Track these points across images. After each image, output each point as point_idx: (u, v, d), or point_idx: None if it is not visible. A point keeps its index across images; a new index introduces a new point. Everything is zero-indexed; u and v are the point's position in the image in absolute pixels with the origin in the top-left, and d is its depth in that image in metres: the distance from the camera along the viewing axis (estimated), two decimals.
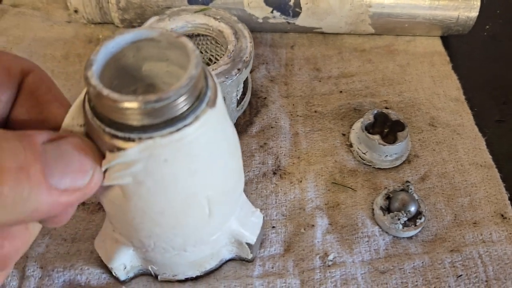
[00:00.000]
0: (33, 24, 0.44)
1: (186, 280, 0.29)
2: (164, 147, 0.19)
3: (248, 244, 0.28)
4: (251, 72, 0.41)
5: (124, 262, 0.27)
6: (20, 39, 0.42)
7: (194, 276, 0.29)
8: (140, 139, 0.19)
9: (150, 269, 0.28)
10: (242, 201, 0.28)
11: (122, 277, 0.28)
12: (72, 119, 0.20)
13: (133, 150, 0.19)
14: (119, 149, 0.19)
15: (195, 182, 0.21)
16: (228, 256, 0.30)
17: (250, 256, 0.29)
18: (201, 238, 0.25)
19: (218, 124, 0.21)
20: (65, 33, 0.43)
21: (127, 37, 0.21)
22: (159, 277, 0.29)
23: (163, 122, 0.19)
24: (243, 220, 0.28)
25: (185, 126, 0.19)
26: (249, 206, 0.29)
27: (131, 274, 0.29)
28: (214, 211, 0.24)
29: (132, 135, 0.19)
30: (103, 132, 0.19)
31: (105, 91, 0.18)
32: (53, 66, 0.41)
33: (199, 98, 0.20)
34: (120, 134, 0.19)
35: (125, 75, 0.22)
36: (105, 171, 0.19)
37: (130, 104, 0.18)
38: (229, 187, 0.24)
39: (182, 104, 0.19)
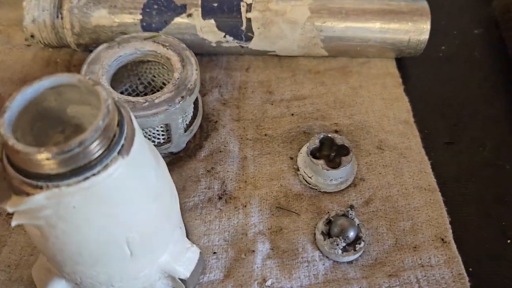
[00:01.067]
0: None
1: None
2: (72, 195, 0.20)
3: (182, 279, 0.28)
4: (203, 96, 0.41)
5: None
6: None
7: None
8: (47, 187, 0.19)
9: None
10: (176, 237, 0.28)
11: None
12: None
13: (39, 197, 0.19)
14: (28, 194, 0.19)
15: (110, 226, 0.22)
16: None
17: None
18: (126, 274, 0.25)
19: (132, 171, 0.22)
20: (24, 56, 0.44)
21: (45, 83, 0.21)
22: None
23: (70, 171, 0.19)
24: (177, 256, 0.28)
25: (93, 175, 0.20)
26: (184, 242, 0.29)
27: None
28: (136, 251, 0.24)
29: (40, 183, 0.19)
30: (14, 177, 0.20)
31: (11, 141, 0.19)
32: (11, 89, 0.41)
33: (110, 147, 0.20)
34: (27, 180, 0.19)
35: (49, 117, 0.23)
36: (13, 213, 0.20)
37: (33, 155, 0.18)
38: (152, 229, 0.25)
39: (90, 153, 0.20)
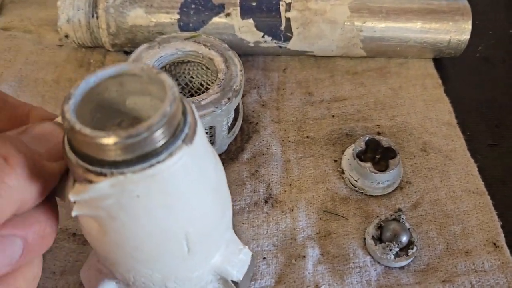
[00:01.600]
0: (24, 47, 0.43)
1: None
2: (136, 183, 0.19)
3: (234, 282, 0.28)
4: (242, 97, 0.40)
5: None
6: (11, 63, 0.42)
7: None
8: (112, 173, 0.18)
9: None
10: (228, 237, 0.28)
11: None
12: None
13: (104, 184, 0.18)
14: (91, 182, 0.19)
15: (171, 218, 0.21)
16: None
17: None
18: (181, 275, 0.25)
19: (195, 161, 0.21)
20: (57, 56, 0.43)
21: (108, 71, 0.20)
22: None
23: (136, 157, 0.18)
24: (229, 257, 0.27)
25: (158, 162, 0.19)
26: (236, 243, 0.28)
27: None
28: (193, 248, 0.23)
29: (104, 170, 0.18)
30: (77, 165, 0.19)
31: (78, 126, 0.18)
32: (44, 91, 0.41)
33: (175, 134, 0.20)
34: (91, 168, 0.19)
35: (109, 108, 0.22)
36: (74, 202, 0.19)
37: (101, 140, 0.18)
38: (210, 225, 0.24)
39: (155, 140, 0.19)
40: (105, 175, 0.19)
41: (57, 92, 0.41)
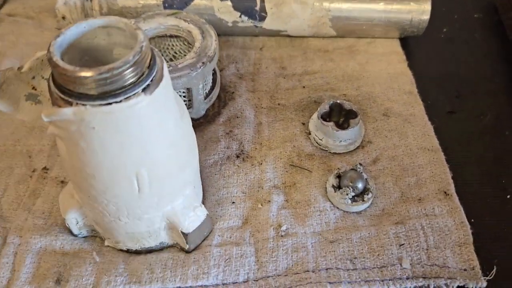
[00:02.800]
0: (25, 30, 0.48)
1: (128, 251, 0.32)
2: (93, 115, 0.23)
3: (183, 233, 0.30)
4: (221, 70, 0.44)
5: (76, 217, 0.31)
6: (14, 43, 0.47)
7: (133, 249, 0.31)
8: (76, 104, 0.22)
9: (99, 231, 0.31)
10: (188, 193, 0.30)
11: (75, 231, 0.32)
12: (29, 68, 0.24)
13: (67, 110, 0.22)
14: (59, 107, 0.23)
15: (122, 155, 0.25)
16: (168, 241, 0.32)
17: (186, 247, 0.31)
18: (132, 212, 0.28)
19: (152, 111, 0.24)
20: None
21: (98, 21, 0.25)
22: (105, 241, 0.32)
23: (97, 94, 0.22)
24: (184, 210, 0.30)
25: (115, 102, 0.23)
26: (194, 201, 0.31)
27: (83, 232, 0.32)
28: (144, 190, 0.26)
29: (70, 99, 0.23)
30: (53, 92, 0.23)
31: (55, 58, 0.22)
32: None
33: (136, 82, 0.23)
34: (62, 96, 0.23)
35: (97, 54, 0.26)
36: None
37: (67, 71, 0.22)
38: (164, 174, 0.27)
39: (116, 82, 0.23)
40: (70, 104, 0.23)
41: None
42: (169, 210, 0.29)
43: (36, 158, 0.37)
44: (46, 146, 0.38)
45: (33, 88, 0.26)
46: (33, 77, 0.25)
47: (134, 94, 0.23)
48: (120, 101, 0.23)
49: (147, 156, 0.25)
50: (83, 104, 0.22)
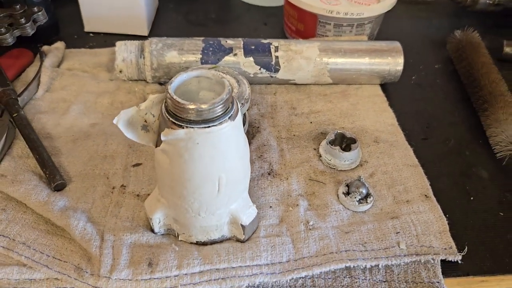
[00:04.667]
0: (84, 82, 0.59)
1: (197, 243, 0.42)
2: (198, 135, 0.34)
3: (242, 226, 0.41)
4: (247, 110, 0.57)
5: (159, 217, 0.41)
6: (77, 92, 0.58)
7: (202, 241, 0.42)
8: (186, 127, 0.34)
9: (175, 229, 0.42)
10: (244, 196, 0.41)
11: (156, 229, 0.42)
12: (145, 107, 0.35)
13: (181, 131, 0.34)
14: (174, 129, 0.34)
15: (212, 163, 0.35)
16: (228, 234, 0.42)
17: (242, 237, 0.41)
18: (210, 207, 0.38)
19: (233, 132, 0.36)
20: (109, 87, 0.59)
21: (194, 73, 0.37)
22: (179, 236, 0.42)
23: (201, 120, 0.34)
24: (242, 208, 0.41)
25: (213, 126, 0.34)
26: (248, 201, 0.42)
27: (162, 230, 0.42)
28: (221, 190, 0.37)
29: (182, 124, 0.34)
30: (168, 120, 0.34)
31: (174, 96, 0.34)
32: (102, 110, 0.56)
33: (225, 113, 0.35)
34: (176, 122, 0.34)
35: (189, 95, 0.38)
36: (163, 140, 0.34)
37: (184, 105, 0.33)
38: (234, 179, 0.38)
39: (214, 113, 0.34)
40: (182, 127, 0.34)
41: (112, 111, 0.56)
42: (233, 208, 0.40)
43: (113, 179, 0.48)
44: (119, 169, 0.49)
45: (145, 121, 0.37)
46: (146, 113, 0.37)
47: (224, 120, 0.35)
48: (216, 125, 0.34)
49: (227, 165, 0.37)
50: (191, 127, 0.34)
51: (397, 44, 0.61)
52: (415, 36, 0.75)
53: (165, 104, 0.35)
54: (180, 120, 0.34)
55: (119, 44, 0.57)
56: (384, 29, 0.73)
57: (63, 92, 0.58)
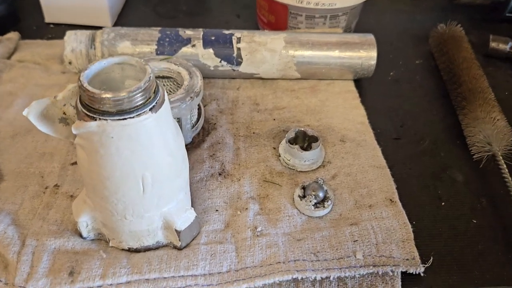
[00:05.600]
0: (34, 74, 0.56)
1: (129, 250, 0.38)
2: (112, 127, 0.30)
3: (177, 231, 0.36)
4: (204, 106, 0.53)
5: (86, 220, 0.37)
6: (24, 85, 0.54)
7: (134, 247, 0.38)
8: (99, 119, 0.30)
9: (105, 233, 0.38)
10: (181, 197, 0.37)
11: (84, 233, 0.38)
12: (63, 98, 0.31)
13: (93, 124, 0.30)
14: (86, 121, 0.30)
15: (132, 159, 0.32)
16: (164, 240, 0.38)
17: (179, 244, 0.37)
18: (137, 210, 0.34)
19: (156, 126, 0.32)
20: (60, 80, 0.55)
21: (115, 59, 0.33)
22: (110, 242, 0.38)
23: (116, 111, 0.30)
24: (177, 211, 0.37)
25: (129, 118, 0.30)
26: (186, 204, 0.38)
27: (91, 235, 0.38)
28: (147, 190, 0.33)
29: (95, 116, 0.30)
30: (80, 111, 0.30)
31: (85, 84, 0.30)
32: None
33: (145, 104, 0.31)
34: (88, 113, 0.30)
35: (112, 85, 0.34)
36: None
37: (96, 94, 0.29)
38: (163, 178, 0.34)
39: (131, 103, 0.30)
40: (94, 119, 0.30)
41: None
42: (165, 210, 0.36)
43: (48, 178, 0.44)
44: (56, 168, 0.45)
45: (64, 113, 0.33)
46: (64, 105, 0.33)
47: (144, 112, 0.31)
48: (133, 117, 0.30)
49: (151, 162, 0.33)
50: (105, 119, 0.30)
51: (370, 37, 0.56)
52: (397, 30, 0.71)
53: (79, 95, 0.31)
54: (93, 112, 0.30)
55: (69, 33, 0.53)
56: (363, 22, 0.69)
57: (10, 84, 0.54)
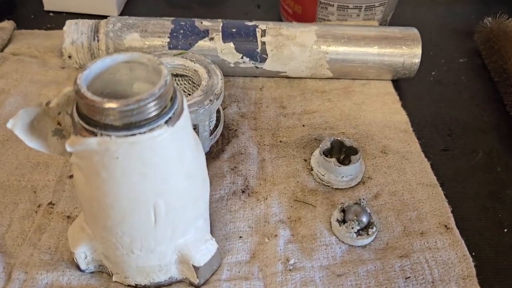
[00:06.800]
0: (30, 69, 0.49)
1: (136, 286, 0.31)
2: (118, 145, 0.23)
3: (194, 267, 0.30)
4: (224, 109, 0.46)
5: (85, 251, 0.30)
6: (18, 81, 0.47)
7: (142, 284, 0.31)
8: (101, 134, 0.23)
9: (107, 266, 0.31)
10: (199, 225, 0.30)
11: (82, 266, 0.31)
12: (57, 105, 0.24)
13: (92, 140, 0.23)
14: (84, 137, 0.23)
15: (143, 185, 0.25)
16: (178, 276, 0.31)
17: (196, 281, 0.31)
18: (146, 244, 0.28)
19: (174, 142, 0.25)
20: (59, 77, 0.48)
21: (122, 56, 0.26)
22: (113, 277, 0.31)
23: (122, 125, 0.23)
24: (195, 243, 0.30)
25: (139, 133, 0.23)
26: (205, 233, 0.31)
27: (91, 267, 0.32)
28: (160, 221, 0.27)
29: (95, 130, 0.23)
30: (77, 123, 0.24)
31: (82, 89, 0.23)
32: None
33: (159, 114, 0.24)
34: (87, 126, 0.23)
35: (118, 88, 0.27)
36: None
37: (95, 103, 0.22)
38: (180, 205, 0.27)
39: (142, 114, 0.23)
40: (95, 134, 0.23)
41: None
42: (181, 242, 0.29)
43: (41, 193, 0.37)
44: (51, 181, 0.38)
45: (58, 123, 0.26)
46: (59, 113, 0.26)
47: (158, 125, 0.24)
48: (144, 132, 0.23)
49: (166, 187, 0.26)
50: (108, 135, 0.23)
51: (414, 31, 0.49)
52: (436, 24, 0.63)
53: (76, 102, 0.25)
54: (93, 125, 0.23)
55: (69, 23, 0.46)
56: (399, 15, 0.62)
57: (2, 81, 0.48)
